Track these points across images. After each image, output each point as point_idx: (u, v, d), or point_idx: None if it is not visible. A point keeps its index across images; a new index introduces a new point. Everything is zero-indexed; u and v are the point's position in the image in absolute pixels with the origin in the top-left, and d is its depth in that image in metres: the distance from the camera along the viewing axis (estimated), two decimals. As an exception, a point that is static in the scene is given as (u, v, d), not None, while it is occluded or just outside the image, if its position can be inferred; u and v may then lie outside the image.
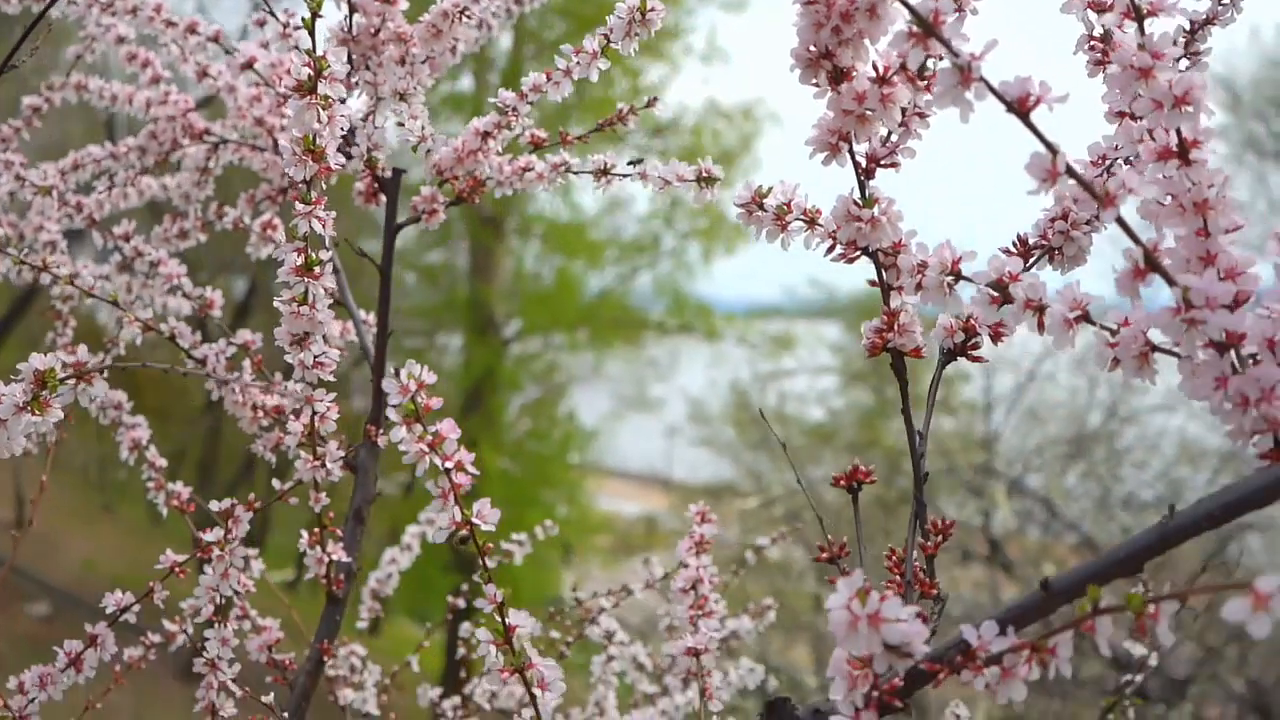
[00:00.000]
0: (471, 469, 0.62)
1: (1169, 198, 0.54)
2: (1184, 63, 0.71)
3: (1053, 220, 0.67)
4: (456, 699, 1.39)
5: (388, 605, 1.46)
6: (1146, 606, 0.45)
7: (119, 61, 1.23)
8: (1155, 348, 0.54)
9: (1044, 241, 0.67)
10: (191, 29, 1.09)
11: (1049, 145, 0.50)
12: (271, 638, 1.00)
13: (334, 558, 0.96)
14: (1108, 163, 0.68)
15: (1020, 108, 0.50)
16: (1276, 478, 0.48)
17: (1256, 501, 0.49)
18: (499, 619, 0.64)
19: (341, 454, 0.89)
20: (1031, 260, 0.68)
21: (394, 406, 0.60)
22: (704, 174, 0.83)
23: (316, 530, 0.95)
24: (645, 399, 12.40)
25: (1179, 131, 0.53)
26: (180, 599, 1.00)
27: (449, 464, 0.62)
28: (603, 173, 0.96)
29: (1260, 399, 0.50)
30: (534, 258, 12.42)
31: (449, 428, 0.62)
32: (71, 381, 0.65)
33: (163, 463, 1.09)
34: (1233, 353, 0.52)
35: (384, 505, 1.42)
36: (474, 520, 0.62)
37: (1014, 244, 0.68)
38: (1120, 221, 0.51)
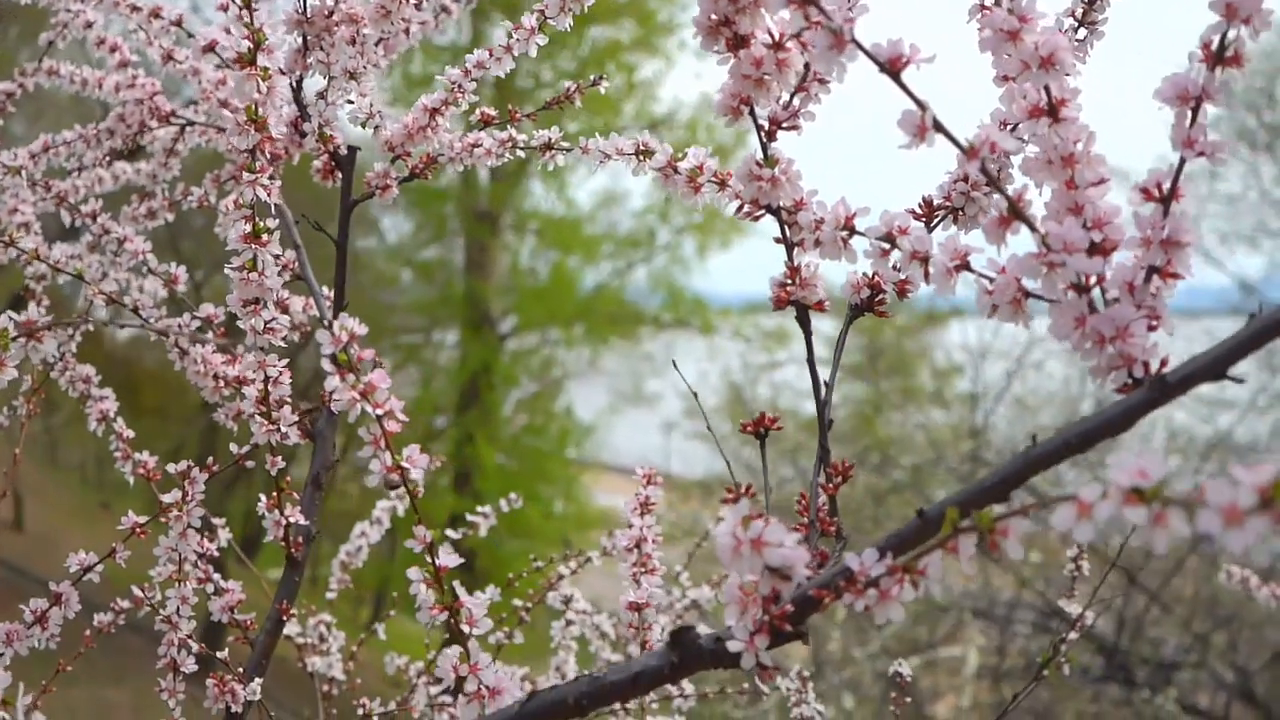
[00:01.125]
0: (401, 416, 0.66)
1: (1041, 153, 0.57)
2: (1082, 31, 0.75)
3: (955, 182, 0.71)
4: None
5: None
6: (996, 524, 0.49)
7: (91, 47, 1.26)
8: (1028, 293, 0.58)
9: (947, 202, 0.71)
10: (155, 14, 1.13)
11: (919, 103, 0.54)
12: (234, 599, 1.04)
13: (292, 520, 1.00)
14: (1009, 126, 0.71)
15: (892, 68, 0.54)
16: (1128, 408, 0.52)
17: (1111, 429, 0.52)
18: (429, 559, 0.67)
19: (295, 418, 0.93)
20: (937, 220, 0.71)
21: (326, 357, 0.64)
22: (641, 148, 0.87)
23: (275, 494, 0.99)
24: (641, 394, 12.44)
25: (1047, 90, 0.57)
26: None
27: (380, 411, 0.65)
28: (546, 147, 1.00)
29: (1115, 336, 0.53)
30: (529, 253, 12.46)
31: (379, 378, 0.66)
32: (22, 340, 0.68)
33: (130, 434, 1.13)
34: (1097, 294, 0.56)
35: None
36: (404, 464, 0.66)
37: (919, 205, 0.72)
38: (985, 172, 0.54)
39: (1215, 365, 0.50)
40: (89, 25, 1.23)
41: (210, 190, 1.22)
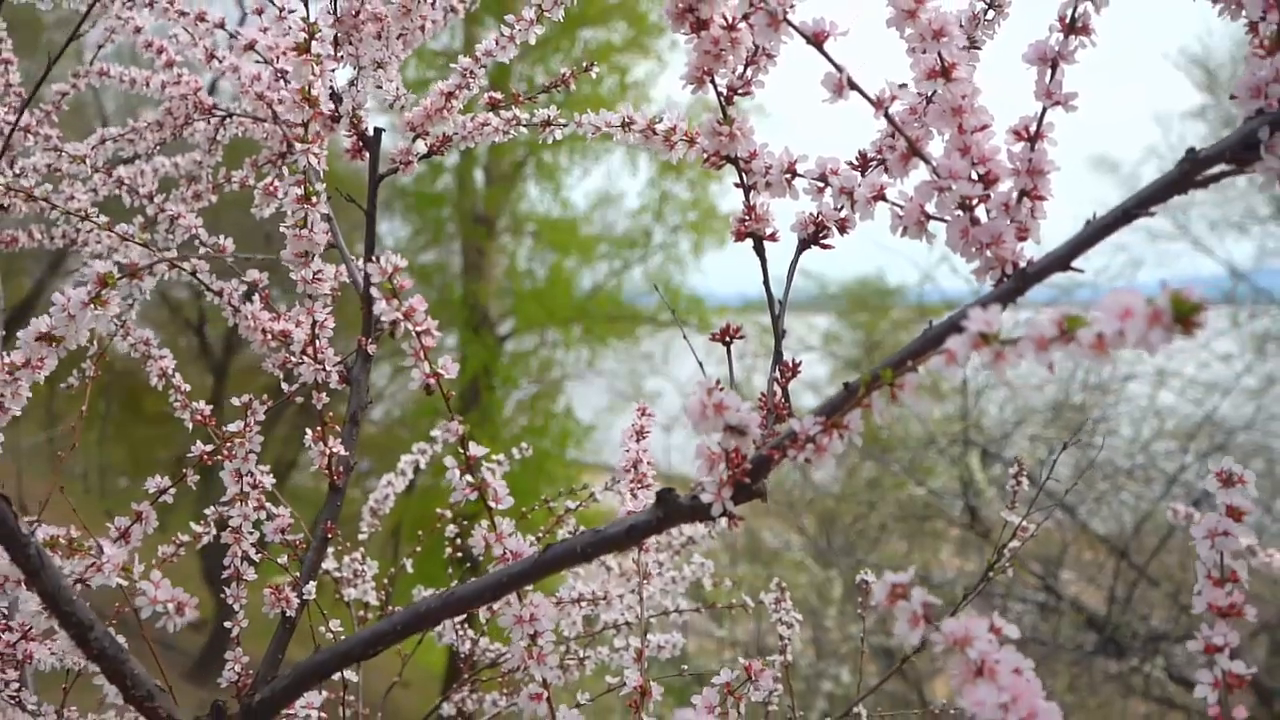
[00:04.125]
0: (436, 333, 0.82)
1: (936, 105, 0.73)
2: (991, 13, 0.91)
3: (883, 138, 0.86)
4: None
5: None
6: (895, 379, 0.64)
7: (137, 49, 1.42)
8: (928, 215, 0.74)
9: (879, 155, 0.87)
10: (200, 17, 1.28)
11: (837, 66, 0.70)
12: (284, 523, 1.20)
13: (334, 451, 1.16)
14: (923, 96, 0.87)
15: (817, 40, 0.70)
16: (1000, 295, 0.68)
17: (1002, 299, 0.68)
18: (462, 451, 0.83)
19: (338, 359, 1.09)
20: (871, 168, 0.87)
21: (375, 284, 0.80)
22: (626, 120, 1.02)
23: (320, 428, 1.15)
24: (640, 393, 12.57)
25: (940, 56, 0.73)
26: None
27: (420, 329, 0.81)
28: (546, 123, 1.16)
29: (990, 243, 0.70)
30: (526, 255, 12.61)
31: (419, 302, 0.82)
32: (127, 279, 0.84)
33: (187, 387, 1.28)
34: (981, 212, 0.72)
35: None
36: (440, 371, 0.82)
37: (855, 157, 0.88)
38: (889, 119, 0.70)
39: (1062, 260, 0.66)
40: (138, 30, 1.39)
41: (250, 173, 1.38)
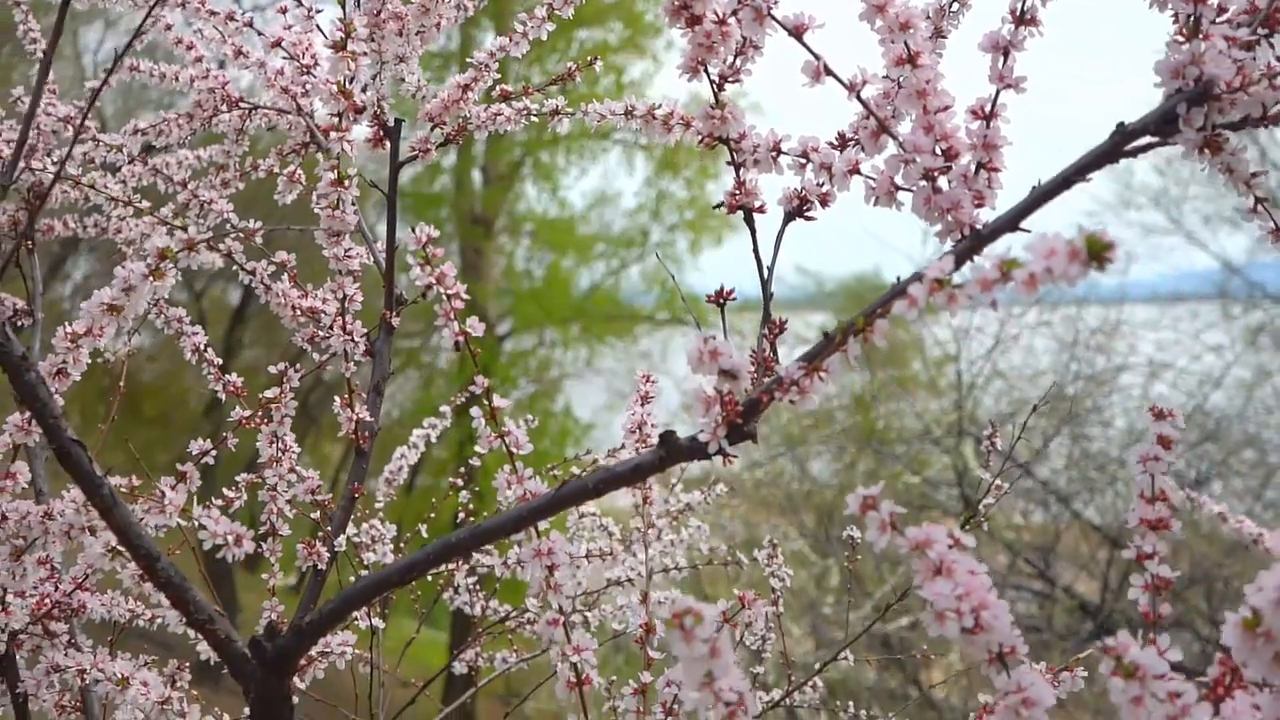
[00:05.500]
0: (464, 296, 0.92)
1: (903, 89, 0.83)
2: (956, 5, 1.01)
3: (860, 119, 0.96)
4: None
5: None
6: (867, 325, 0.74)
7: (167, 45, 1.52)
8: (897, 186, 0.84)
9: (855, 134, 0.97)
10: (230, 16, 1.38)
11: (815, 55, 0.80)
12: (313, 484, 1.30)
13: (360, 417, 1.26)
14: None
15: (797, 33, 0.80)
16: (960, 252, 0.78)
17: (960, 261, 0.78)
18: (487, 402, 0.93)
19: (365, 330, 1.19)
20: (847, 147, 0.97)
21: (411, 252, 0.90)
22: (629, 109, 1.12)
23: (347, 395, 1.25)
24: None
25: (907, 45, 0.83)
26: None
27: (450, 292, 0.91)
28: (554, 113, 1.26)
29: (950, 209, 0.79)
30: (524, 255, 12.71)
31: (449, 269, 0.92)
32: (185, 251, 0.94)
33: (219, 361, 1.38)
34: (943, 182, 0.82)
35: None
36: (468, 329, 0.92)
37: (836, 137, 0.97)
38: (861, 101, 0.80)
39: (1010, 222, 0.76)
40: (169, 27, 1.49)
41: (275, 162, 1.48)
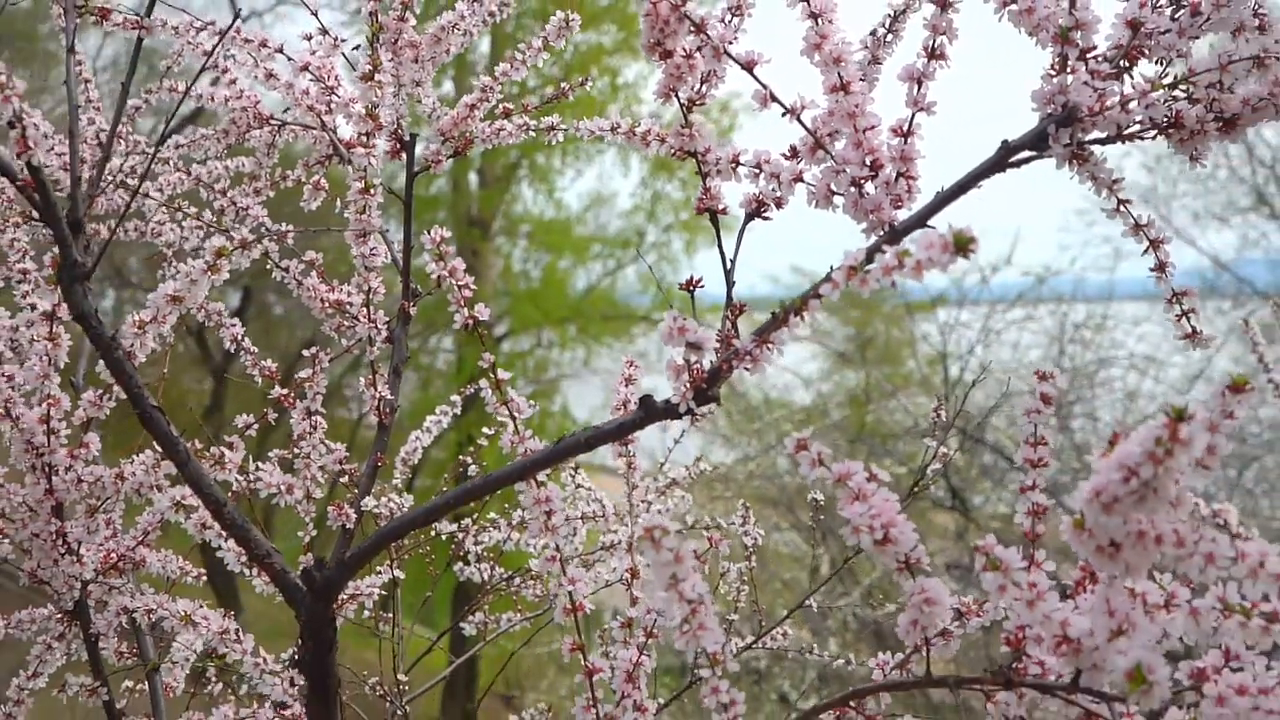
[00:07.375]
0: (472, 286, 1.10)
1: (837, 113, 1.01)
2: (890, 36, 1.19)
3: (805, 135, 1.14)
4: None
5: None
6: (807, 301, 0.92)
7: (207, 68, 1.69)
8: (833, 191, 1.02)
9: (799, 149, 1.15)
10: (264, 43, 1.56)
11: (762, 85, 0.98)
12: (340, 456, 1.48)
13: (383, 396, 1.44)
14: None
15: (748, 66, 0.98)
16: (871, 248, 0.96)
17: (891, 239, 0.96)
18: (493, 375, 1.11)
19: (387, 318, 1.37)
20: (796, 159, 1.15)
21: (427, 250, 1.08)
22: (615, 125, 1.30)
23: (370, 376, 1.43)
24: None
25: (839, 75, 1.00)
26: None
27: (461, 283, 1.09)
28: (551, 129, 1.44)
29: (874, 210, 0.98)
30: (521, 257, 12.87)
31: (460, 262, 1.10)
32: (239, 250, 1.12)
33: (255, 349, 1.56)
34: (869, 188, 1.00)
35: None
36: (476, 315, 1.10)
37: (788, 149, 1.15)
38: (800, 121, 0.98)
39: (918, 221, 0.94)
40: (208, 54, 1.66)
41: (303, 172, 1.66)
